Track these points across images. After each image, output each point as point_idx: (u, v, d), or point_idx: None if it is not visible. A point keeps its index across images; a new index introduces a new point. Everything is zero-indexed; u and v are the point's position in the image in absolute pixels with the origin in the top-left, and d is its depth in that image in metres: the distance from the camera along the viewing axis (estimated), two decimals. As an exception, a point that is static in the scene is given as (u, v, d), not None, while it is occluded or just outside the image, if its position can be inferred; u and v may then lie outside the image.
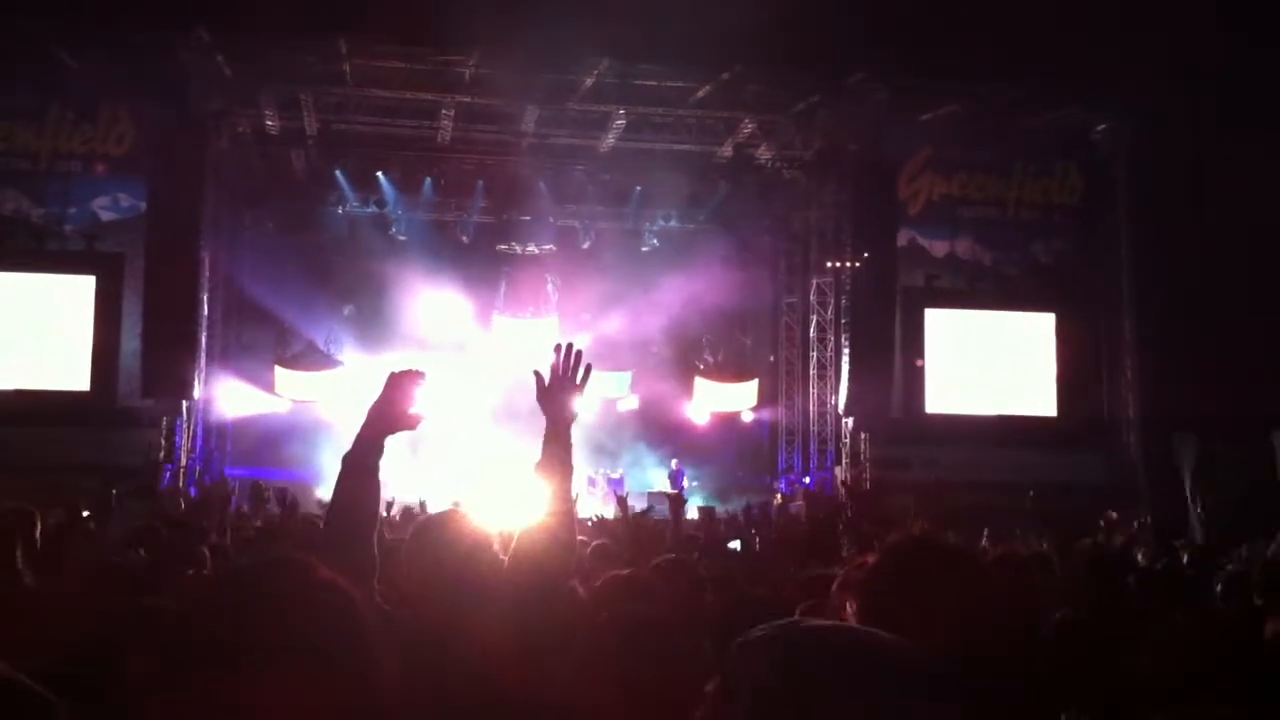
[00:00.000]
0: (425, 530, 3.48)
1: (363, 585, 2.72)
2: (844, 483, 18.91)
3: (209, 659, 1.55)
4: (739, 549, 7.81)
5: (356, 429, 3.16)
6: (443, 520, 3.55)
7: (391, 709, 1.69)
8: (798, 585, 4.63)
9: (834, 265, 22.80)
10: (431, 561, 3.30)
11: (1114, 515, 13.53)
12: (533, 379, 3.30)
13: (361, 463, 3.09)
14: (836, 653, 1.55)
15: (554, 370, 3.27)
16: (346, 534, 3.02)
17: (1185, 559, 8.67)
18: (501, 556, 3.28)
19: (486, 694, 2.75)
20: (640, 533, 6.87)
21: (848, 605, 2.42)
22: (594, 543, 6.09)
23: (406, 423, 3.15)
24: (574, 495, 3.26)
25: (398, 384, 3.18)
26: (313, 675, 1.56)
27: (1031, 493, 17.42)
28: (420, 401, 3.17)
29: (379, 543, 3.08)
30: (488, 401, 21.48)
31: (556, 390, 3.24)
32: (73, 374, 20.36)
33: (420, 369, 3.23)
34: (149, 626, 2.88)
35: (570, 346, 3.33)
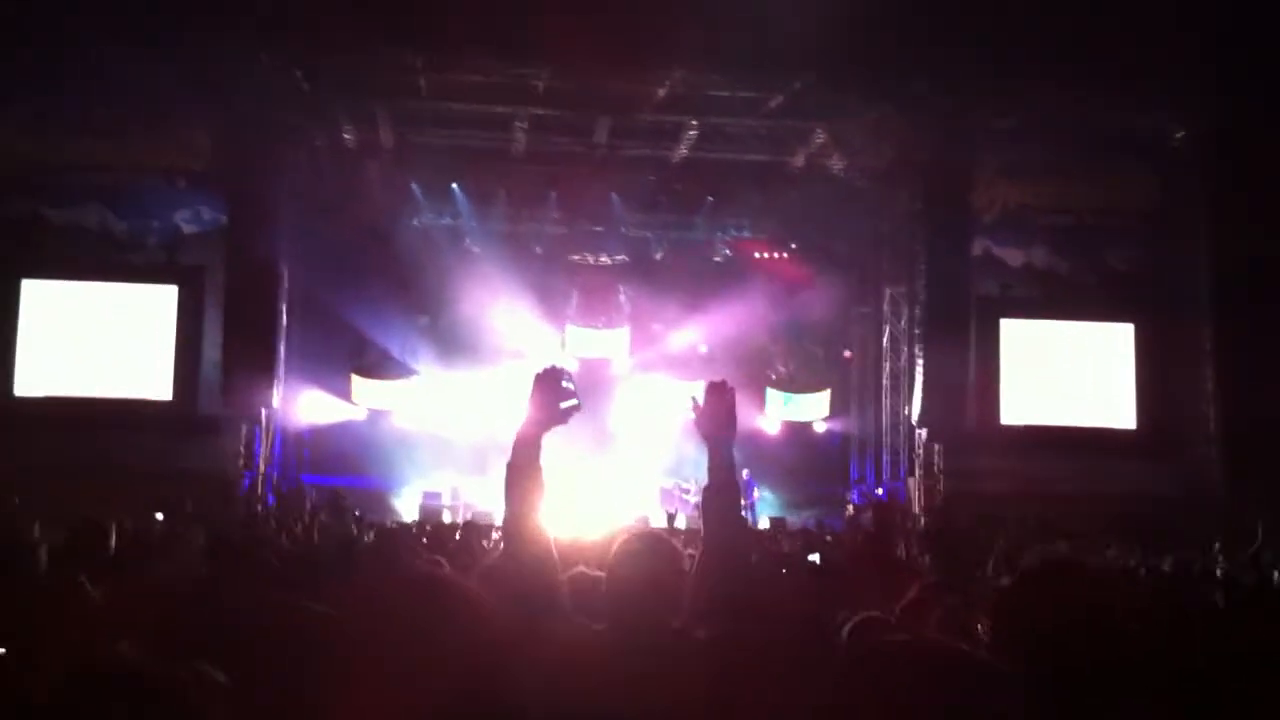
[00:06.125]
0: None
1: (551, 581, 2.85)
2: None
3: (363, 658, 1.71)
4: (819, 562, 7.78)
5: (513, 434, 3.34)
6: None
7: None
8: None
9: (908, 274, 22.63)
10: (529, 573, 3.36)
11: None
12: (685, 403, 3.47)
13: (524, 463, 3.26)
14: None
15: (707, 402, 3.52)
16: (523, 534, 3.17)
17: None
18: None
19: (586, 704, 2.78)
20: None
21: (979, 625, 2.43)
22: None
23: (558, 418, 3.31)
24: (743, 517, 3.43)
25: (544, 382, 3.34)
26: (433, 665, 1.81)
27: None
28: (568, 396, 3.35)
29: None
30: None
31: (709, 420, 3.44)
32: (155, 383, 20.80)
33: (563, 366, 3.43)
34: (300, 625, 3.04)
35: (724, 383, 3.61)
